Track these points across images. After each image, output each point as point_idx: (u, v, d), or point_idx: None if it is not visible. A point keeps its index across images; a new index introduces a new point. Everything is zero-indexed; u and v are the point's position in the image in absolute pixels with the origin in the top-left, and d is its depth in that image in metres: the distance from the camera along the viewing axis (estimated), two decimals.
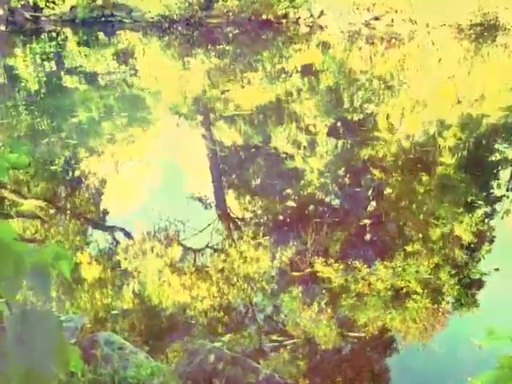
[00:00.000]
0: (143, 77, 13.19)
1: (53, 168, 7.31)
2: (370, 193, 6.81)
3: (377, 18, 18.16)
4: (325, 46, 16.26)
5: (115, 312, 4.30)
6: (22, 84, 12.26)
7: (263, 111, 9.80)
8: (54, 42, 17.38)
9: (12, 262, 1.21)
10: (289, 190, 6.57)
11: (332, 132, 8.67)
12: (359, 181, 7.10)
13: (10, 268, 1.20)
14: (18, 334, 1.13)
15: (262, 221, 5.87)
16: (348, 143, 8.12)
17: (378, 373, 3.77)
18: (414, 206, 6.11)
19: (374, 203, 6.56)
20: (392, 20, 17.97)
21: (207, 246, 5.41)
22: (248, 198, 6.49)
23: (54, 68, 14.24)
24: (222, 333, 4.05)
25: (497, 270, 4.77)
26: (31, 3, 19.84)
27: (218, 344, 3.48)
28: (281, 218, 5.98)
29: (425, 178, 6.66)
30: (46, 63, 14.61)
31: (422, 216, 5.81)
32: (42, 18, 20.05)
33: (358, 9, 18.22)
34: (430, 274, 4.66)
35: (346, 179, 7.21)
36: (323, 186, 6.76)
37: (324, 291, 4.52)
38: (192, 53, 15.76)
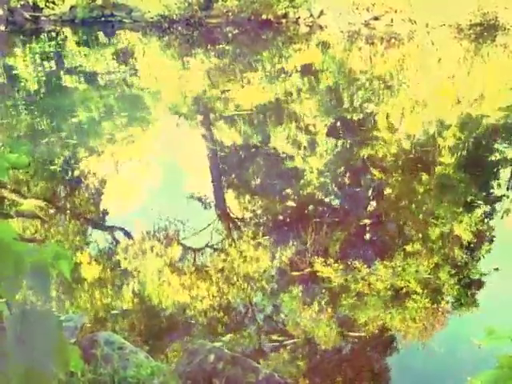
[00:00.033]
0: (143, 77, 13.19)
1: (52, 168, 7.31)
2: (369, 193, 6.81)
3: (376, 18, 18.15)
4: (324, 45, 16.26)
5: (115, 312, 4.30)
6: (22, 84, 12.26)
7: (263, 111, 9.80)
8: (53, 42, 17.37)
9: (12, 261, 1.21)
10: (288, 190, 6.57)
11: (332, 132, 8.67)
12: (359, 180, 7.10)
13: (9, 268, 1.20)
14: (18, 333, 1.13)
15: (261, 221, 5.87)
16: (348, 143, 8.12)
17: (377, 372, 3.77)
18: (413, 205, 6.11)
19: (373, 203, 6.57)
20: (391, 20, 17.97)
21: (207, 246, 5.42)
22: (248, 197, 6.50)
23: (54, 68, 14.24)
24: (222, 333, 4.05)
25: (496, 269, 4.78)
26: (31, 3, 19.82)
27: (218, 344, 3.48)
28: (280, 217, 5.98)
29: (425, 177, 6.66)
30: (45, 63, 14.61)
31: (421, 216, 5.81)
32: (42, 18, 20.04)
33: (357, 9, 18.22)
34: (429, 274, 4.66)
35: (346, 179, 7.21)
36: (323, 186, 6.76)
37: (324, 291, 4.53)
38: (192, 53, 15.76)
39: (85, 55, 15.42)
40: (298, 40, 16.99)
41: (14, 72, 13.51)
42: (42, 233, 5.63)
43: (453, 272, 4.71)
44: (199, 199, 6.56)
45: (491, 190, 6.50)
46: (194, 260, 5.17)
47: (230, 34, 18.02)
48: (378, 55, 15.12)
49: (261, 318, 4.34)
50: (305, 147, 7.98)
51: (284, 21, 18.82)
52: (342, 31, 17.64)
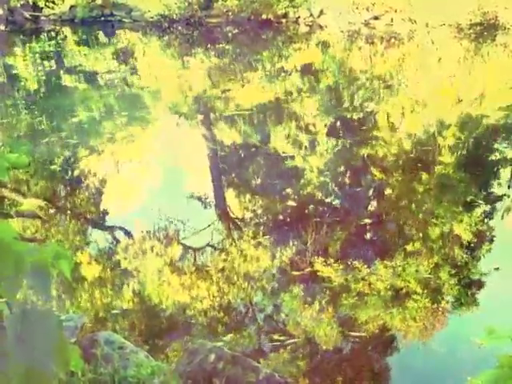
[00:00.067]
0: (143, 76, 13.19)
1: (52, 167, 7.31)
2: (369, 192, 6.81)
3: (376, 18, 18.14)
4: (324, 45, 16.25)
5: (115, 311, 4.30)
6: (22, 83, 12.26)
7: (263, 110, 9.80)
8: (53, 42, 17.37)
9: (12, 261, 1.21)
10: (289, 190, 6.57)
11: (332, 131, 8.67)
12: (359, 180, 7.10)
13: (10, 267, 1.20)
14: (18, 333, 1.13)
15: (261, 220, 5.87)
16: (347, 142, 8.11)
17: (378, 372, 3.77)
18: (413, 205, 6.11)
19: (373, 203, 6.57)
20: (391, 19, 17.96)
21: (207, 245, 5.41)
22: (248, 197, 6.50)
23: (54, 67, 14.24)
24: (222, 332, 4.05)
25: (497, 269, 4.78)
26: (31, 3, 19.83)
27: (219, 344, 3.48)
28: (281, 217, 5.98)
29: (425, 177, 6.66)
30: (45, 63, 14.61)
31: (421, 215, 5.81)
32: (42, 18, 20.04)
33: (357, 8, 18.21)
34: (429, 274, 4.66)
35: (346, 178, 7.21)
36: (323, 186, 6.76)
37: (324, 290, 4.53)
38: (192, 52, 15.76)
39: (85, 55, 15.42)
40: (297, 40, 16.98)
41: (13, 71, 13.51)
42: (43, 232, 5.63)
43: (453, 272, 4.71)
44: (199, 199, 6.56)
45: (491, 190, 6.50)
46: (194, 259, 5.17)
47: (229, 34, 18.01)
48: (377, 55, 15.12)
49: (261, 317, 4.34)
50: (305, 147, 7.98)
51: (284, 20, 18.81)
52: (342, 31, 17.63)
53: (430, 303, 4.31)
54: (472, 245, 5.17)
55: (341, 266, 4.79)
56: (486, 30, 16.81)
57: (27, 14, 19.71)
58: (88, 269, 4.90)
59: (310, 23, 18.68)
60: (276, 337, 3.99)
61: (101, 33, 18.63)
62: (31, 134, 8.67)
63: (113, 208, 6.36)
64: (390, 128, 8.68)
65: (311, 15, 18.81)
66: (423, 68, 13.58)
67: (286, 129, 8.72)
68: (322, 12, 18.61)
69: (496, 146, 7.98)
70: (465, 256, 4.98)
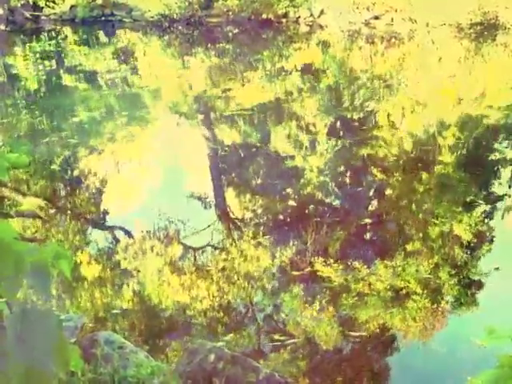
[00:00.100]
0: (143, 76, 13.19)
1: (52, 167, 7.31)
2: (369, 192, 6.81)
3: (377, 17, 18.14)
4: (325, 45, 16.25)
5: (115, 311, 4.30)
6: (22, 83, 12.26)
7: (263, 110, 9.80)
8: (53, 41, 17.37)
9: (12, 261, 1.21)
10: (289, 190, 6.57)
11: (332, 131, 8.66)
12: (359, 180, 7.10)
13: (10, 267, 1.20)
14: (18, 333, 1.13)
15: (261, 220, 5.87)
16: (347, 142, 8.11)
17: (378, 372, 3.77)
18: (413, 205, 6.11)
19: (373, 202, 6.56)
20: (392, 19, 17.95)
21: (207, 245, 5.41)
22: (248, 196, 6.49)
23: (54, 67, 14.23)
24: (222, 333, 4.05)
25: (497, 269, 4.77)
26: (31, 2, 19.82)
27: (220, 344, 3.47)
28: (281, 217, 5.98)
29: (425, 176, 6.66)
30: (45, 62, 14.60)
31: (421, 215, 5.81)
32: (42, 18, 20.03)
33: (357, 8, 18.20)
34: (429, 274, 4.66)
35: (346, 178, 7.21)
36: (323, 185, 6.76)
37: (324, 290, 4.52)
38: (192, 52, 15.76)
39: (85, 54, 15.42)
40: (298, 39, 16.98)
41: (14, 71, 13.51)
42: (43, 232, 5.63)
43: (453, 272, 4.71)
44: (199, 199, 6.56)
45: (491, 190, 6.50)
46: (195, 259, 5.17)
47: (230, 34, 18.01)
48: (378, 54, 15.11)
49: (261, 317, 4.34)
50: (305, 146, 7.97)
51: (284, 20, 18.81)
52: (343, 30, 17.63)
53: (429, 303, 4.31)
54: (472, 245, 5.17)
55: (341, 266, 4.79)
56: (486, 30, 16.81)
57: (27, 14, 19.71)
58: (88, 269, 4.90)
59: (311, 23, 18.68)
60: (276, 337, 3.99)
61: (101, 32, 18.63)
62: (31, 133, 8.67)
63: (113, 208, 6.36)
64: (390, 128, 8.68)
65: (311, 15, 18.80)
66: (423, 68, 13.58)
67: (287, 128, 8.72)
68: (322, 12, 18.60)
69: (496, 145, 7.98)
70: (465, 256, 4.98)
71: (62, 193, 6.79)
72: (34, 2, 19.83)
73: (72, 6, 19.99)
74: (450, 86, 11.58)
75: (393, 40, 16.42)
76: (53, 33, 18.79)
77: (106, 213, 6.27)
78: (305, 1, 18.71)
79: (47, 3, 19.94)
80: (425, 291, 4.42)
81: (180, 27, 18.77)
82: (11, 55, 15.47)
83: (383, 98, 10.63)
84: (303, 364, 3.73)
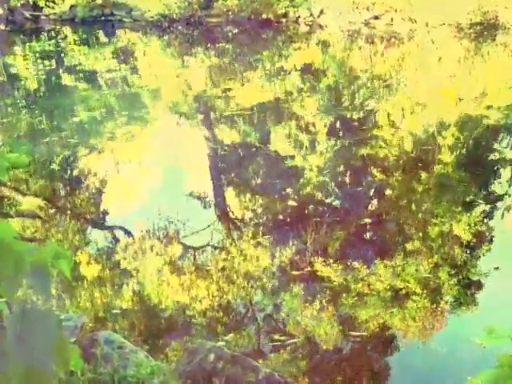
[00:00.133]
0: (143, 76, 13.19)
1: (52, 167, 7.31)
2: (369, 192, 6.81)
3: (376, 17, 18.14)
4: (324, 45, 16.25)
5: (115, 311, 4.30)
6: (22, 83, 12.26)
7: (263, 110, 9.80)
8: (53, 41, 17.36)
9: (12, 261, 1.21)
10: (288, 189, 6.57)
11: (332, 131, 8.66)
12: (359, 180, 7.10)
13: (10, 267, 1.20)
14: (18, 332, 1.13)
15: (261, 220, 5.87)
16: (347, 142, 8.11)
17: (378, 371, 3.77)
18: (413, 205, 6.11)
19: (373, 202, 6.56)
20: (392, 19, 17.96)
21: (207, 245, 5.41)
22: (248, 196, 6.49)
23: (54, 67, 14.23)
24: (222, 332, 4.05)
25: (497, 268, 4.78)
26: (31, 2, 19.82)
27: (220, 344, 3.48)
28: (281, 217, 5.98)
29: (424, 176, 6.66)
30: (45, 62, 14.60)
31: (421, 215, 5.81)
32: (42, 17, 20.03)
33: (357, 8, 18.21)
34: (429, 274, 4.66)
35: (346, 178, 7.21)
36: (323, 185, 6.76)
37: (324, 290, 4.52)
38: (192, 52, 15.75)
39: (85, 54, 15.41)
40: (297, 39, 16.98)
41: (13, 71, 13.51)
42: (43, 232, 5.63)
43: (452, 272, 4.71)
44: (199, 198, 6.56)
45: (491, 189, 6.50)
46: (194, 259, 5.17)
47: (230, 33, 18.01)
48: (378, 54, 15.11)
49: (261, 317, 4.34)
50: (305, 146, 7.97)
51: (284, 20, 18.81)
52: (342, 30, 17.63)
53: (429, 303, 4.31)
54: (471, 244, 5.17)
55: (340, 266, 4.79)
56: (486, 30, 16.81)
57: (27, 14, 19.71)
58: (88, 268, 4.90)
59: (310, 23, 18.68)
60: (276, 337, 3.99)
61: (101, 32, 18.63)
62: (31, 133, 8.67)
63: (113, 208, 6.36)
64: (389, 128, 8.68)
65: (311, 15, 18.80)
66: (423, 68, 13.58)
67: (286, 128, 8.72)
68: (322, 12, 18.60)
69: (496, 145, 7.98)
70: (464, 256, 4.98)
71: (62, 193, 6.78)
72: (33, 2, 19.83)
73: (72, 6, 19.98)
74: (449, 85, 11.58)
75: (392, 40, 16.42)
76: (52, 33, 18.78)
77: (105, 213, 6.27)
78: (304, 1, 18.72)
79: (47, 3, 19.94)
80: (424, 291, 4.42)
81: (180, 27, 18.77)
82: (11, 55, 15.47)
83: (383, 97, 10.63)
84: (303, 364, 3.73)
